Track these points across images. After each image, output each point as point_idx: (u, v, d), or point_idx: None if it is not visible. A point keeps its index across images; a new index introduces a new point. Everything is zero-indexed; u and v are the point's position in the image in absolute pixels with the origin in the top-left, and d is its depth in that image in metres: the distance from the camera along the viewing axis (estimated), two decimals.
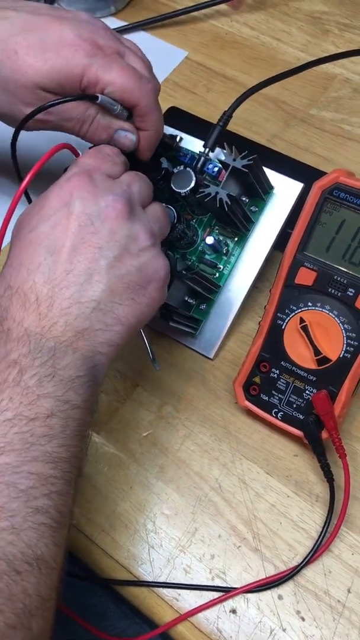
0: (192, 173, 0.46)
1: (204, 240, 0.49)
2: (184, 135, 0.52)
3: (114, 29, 0.67)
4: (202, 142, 0.50)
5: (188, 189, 0.46)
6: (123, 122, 0.42)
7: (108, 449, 0.47)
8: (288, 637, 0.40)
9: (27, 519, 0.31)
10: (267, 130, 0.60)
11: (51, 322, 0.34)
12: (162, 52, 0.66)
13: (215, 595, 0.42)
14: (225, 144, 0.47)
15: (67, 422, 0.34)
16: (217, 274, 0.50)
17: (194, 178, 0.46)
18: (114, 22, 0.68)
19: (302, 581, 0.42)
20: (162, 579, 0.43)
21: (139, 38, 0.68)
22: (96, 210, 0.36)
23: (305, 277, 0.42)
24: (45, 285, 0.35)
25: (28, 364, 0.33)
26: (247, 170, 0.44)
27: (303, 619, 0.41)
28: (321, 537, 0.42)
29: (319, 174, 0.55)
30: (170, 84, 0.64)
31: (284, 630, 0.41)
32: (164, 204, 0.43)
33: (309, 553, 0.42)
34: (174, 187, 0.47)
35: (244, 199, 0.49)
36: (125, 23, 0.68)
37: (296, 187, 0.50)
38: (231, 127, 0.51)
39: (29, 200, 0.43)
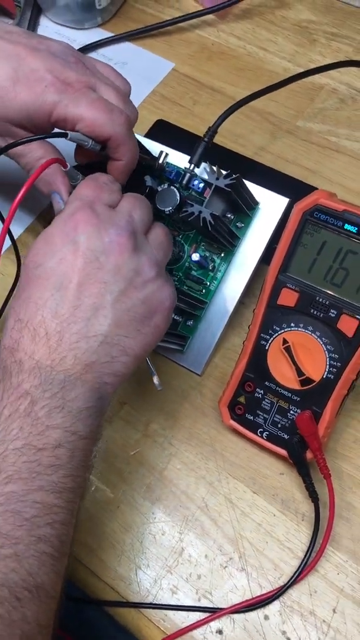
0: (176, 191, 0.46)
1: (190, 256, 0.49)
2: (170, 150, 0.51)
3: (101, 40, 0.67)
4: (189, 157, 0.50)
5: (172, 207, 0.46)
6: (65, 184, 0.43)
7: (96, 467, 0.48)
8: None
9: (30, 547, 0.32)
10: (254, 143, 0.60)
11: (61, 355, 0.35)
12: (149, 64, 0.66)
13: (201, 615, 0.42)
14: (208, 162, 0.47)
15: (73, 452, 0.35)
16: (204, 290, 0.50)
17: (178, 196, 0.46)
18: (100, 34, 0.68)
19: (288, 601, 0.42)
20: (149, 600, 0.43)
21: (126, 49, 0.68)
22: (101, 245, 0.37)
23: (288, 298, 0.42)
24: (54, 320, 0.36)
25: (39, 395, 0.34)
26: (229, 190, 0.44)
27: (289, 639, 0.41)
28: (307, 556, 0.42)
29: (306, 187, 0.56)
30: (157, 96, 0.64)
31: None
32: (164, 225, 0.43)
33: (295, 573, 0.42)
34: (158, 206, 0.47)
35: (229, 215, 0.49)
36: (112, 34, 0.68)
37: (282, 202, 0.49)
38: (218, 140, 0.50)
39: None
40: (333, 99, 0.61)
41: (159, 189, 0.46)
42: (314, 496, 0.43)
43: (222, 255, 0.49)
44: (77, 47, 0.65)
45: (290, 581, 0.42)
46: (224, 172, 0.45)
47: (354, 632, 0.41)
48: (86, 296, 0.36)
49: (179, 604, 0.43)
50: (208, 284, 0.50)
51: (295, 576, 0.42)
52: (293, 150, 0.59)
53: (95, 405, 0.36)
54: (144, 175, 0.47)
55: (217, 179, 0.44)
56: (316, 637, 0.41)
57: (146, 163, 0.48)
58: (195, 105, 0.63)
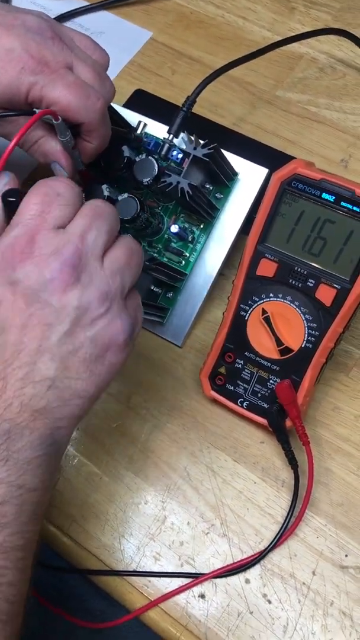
0: (154, 162, 0.46)
1: (169, 228, 0.49)
2: (148, 120, 0.51)
3: (77, 9, 0.66)
4: (167, 127, 0.49)
5: (150, 178, 0.46)
6: (62, 152, 0.41)
7: (78, 440, 0.48)
8: (255, 619, 0.42)
9: None
10: (233, 113, 0.59)
11: (6, 403, 0.33)
12: (126, 33, 0.65)
13: (184, 581, 0.43)
14: (186, 132, 0.46)
15: (21, 507, 0.32)
16: (183, 262, 0.50)
17: (156, 167, 0.46)
18: (76, 2, 0.67)
19: (269, 565, 0.43)
20: (132, 567, 0.44)
21: (102, 18, 0.66)
22: (42, 282, 0.33)
23: (267, 268, 0.42)
24: None
25: None
26: (208, 159, 0.44)
27: (270, 602, 0.42)
28: (287, 521, 0.43)
29: (286, 158, 0.55)
30: (135, 66, 0.63)
31: (251, 613, 0.42)
32: (130, 241, 0.37)
33: (275, 537, 0.43)
34: (136, 176, 0.46)
35: (207, 186, 0.49)
36: (88, 3, 0.66)
37: (261, 172, 0.49)
38: (197, 110, 0.50)
39: None
40: (312, 69, 0.61)
41: (137, 159, 0.46)
42: (293, 463, 0.43)
43: (202, 226, 0.49)
44: (53, 17, 0.64)
45: (271, 545, 0.43)
46: (201, 142, 0.45)
47: (333, 593, 0.42)
48: (30, 339, 0.33)
49: (162, 570, 0.44)
50: (188, 255, 0.49)
51: (275, 540, 0.43)
52: (273, 120, 0.59)
53: (47, 452, 0.34)
54: (121, 146, 0.46)
55: (195, 148, 0.44)
56: (296, 599, 0.42)
57: (124, 135, 0.47)
58: (173, 75, 0.62)
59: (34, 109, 0.40)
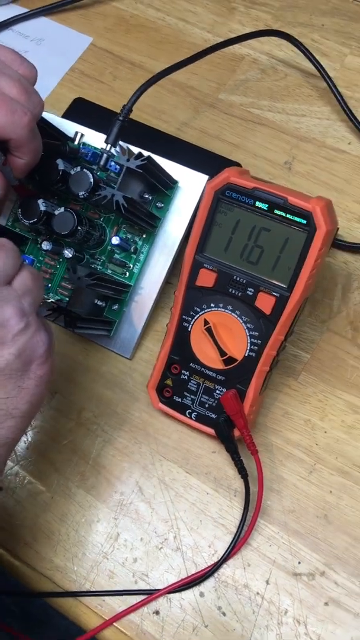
0: (89, 174, 0.45)
1: (111, 240, 0.49)
2: (86, 130, 0.50)
3: (15, 16, 0.65)
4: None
5: (85, 191, 0.45)
6: None
7: (27, 460, 0.47)
8: (210, 633, 0.41)
9: None
10: (177, 118, 0.59)
11: None
12: (66, 39, 0.64)
13: (138, 598, 0.42)
14: (125, 142, 0.46)
15: None
16: (127, 273, 0.49)
17: (91, 179, 0.45)
18: (15, 9, 0.65)
19: (223, 577, 0.43)
20: (86, 587, 0.43)
21: (42, 25, 0.65)
22: None
23: (206, 278, 0.42)
24: None
25: None
26: (141, 171, 0.43)
27: (224, 614, 0.42)
28: (239, 531, 0.43)
29: (229, 163, 0.55)
30: (76, 72, 0.62)
31: (206, 626, 0.42)
32: (32, 268, 0.39)
33: (228, 548, 0.43)
34: (72, 190, 0.45)
35: (147, 195, 0.48)
36: (26, 9, 0.65)
37: (201, 179, 0.49)
38: (140, 116, 0.49)
39: None
40: (254, 70, 0.60)
41: (72, 172, 0.45)
42: (242, 473, 0.43)
43: (144, 236, 0.49)
44: None
45: (224, 557, 0.42)
46: (135, 153, 0.44)
47: (287, 602, 0.42)
48: None
49: (116, 588, 0.43)
50: (131, 266, 0.49)
51: (228, 552, 0.43)
52: (216, 124, 0.58)
53: None
54: (56, 159, 0.45)
55: (128, 160, 0.43)
56: (250, 610, 0.42)
57: (57, 147, 0.46)
58: (115, 80, 0.61)
59: None
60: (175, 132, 0.58)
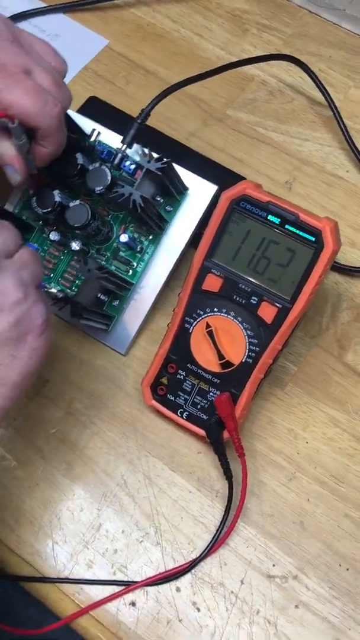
0: (108, 171, 0.46)
1: (118, 237, 0.50)
2: (102, 128, 0.51)
3: (34, 9, 0.65)
4: (120, 137, 0.50)
5: (102, 187, 0.46)
6: (16, 156, 0.41)
7: (15, 445, 0.47)
8: (184, 627, 0.42)
9: None
10: (185, 128, 0.60)
11: None
12: (82, 38, 0.65)
13: (116, 589, 0.43)
14: (140, 144, 0.47)
15: None
16: (131, 271, 0.50)
17: (109, 176, 0.46)
18: (34, 3, 0.66)
19: (199, 574, 0.44)
20: (65, 574, 0.44)
21: (59, 21, 0.66)
22: None
23: (212, 283, 0.44)
24: None
25: None
26: (160, 173, 0.45)
27: (198, 610, 0.43)
28: (219, 531, 0.44)
29: (235, 176, 0.57)
30: (89, 72, 0.63)
31: (180, 621, 0.43)
32: (33, 248, 0.41)
33: (207, 547, 0.44)
34: (89, 185, 0.46)
35: (158, 198, 0.50)
36: (46, 4, 0.66)
37: (210, 189, 0.50)
38: (151, 122, 0.51)
39: None
40: (262, 91, 0.63)
41: (91, 167, 0.46)
42: (228, 474, 0.45)
43: (151, 237, 0.50)
44: (8, 15, 0.63)
45: (202, 554, 0.44)
46: (155, 156, 0.45)
47: (259, 602, 0.43)
48: None
49: (95, 578, 0.44)
50: (135, 265, 0.50)
51: (206, 550, 0.44)
52: (222, 138, 0.60)
53: None
54: (75, 153, 0.46)
55: (149, 162, 0.45)
56: (224, 607, 0.43)
57: (78, 142, 0.47)
58: (128, 85, 0.63)
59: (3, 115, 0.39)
60: (183, 141, 0.59)
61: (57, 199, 0.46)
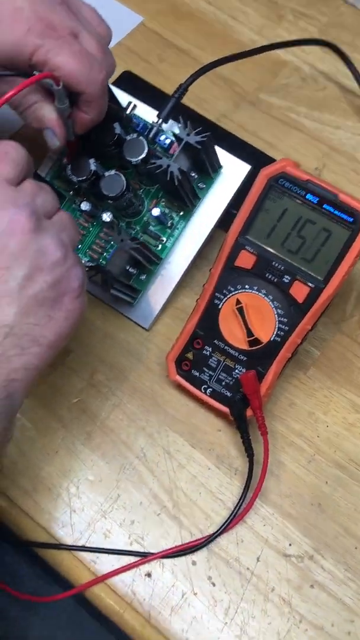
0: (145, 143, 0.46)
1: (149, 211, 0.50)
2: (137, 102, 0.51)
3: None
4: (155, 112, 0.50)
5: (139, 158, 0.46)
6: (57, 120, 0.41)
7: (36, 413, 0.47)
8: (198, 601, 0.42)
9: None
10: (217, 109, 0.60)
11: None
12: (118, 14, 0.65)
13: (132, 559, 0.43)
14: (180, 118, 0.47)
15: None
16: (160, 246, 0.50)
17: (146, 148, 0.46)
18: None
19: (216, 549, 0.44)
20: (81, 542, 0.44)
21: None
22: (0, 226, 0.34)
23: (245, 260, 0.44)
24: None
25: None
26: (199, 147, 0.45)
27: (214, 584, 0.43)
28: (237, 508, 0.44)
29: (267, 158, 0.57)
30: (123, 47, 0.63)
31: (195, 594, 0.43)
32: (69, 213, 0.41)
33: (224, 522, 0.44)
34: (125, 155, 0.46)
35: (193, 174, 0.49)
36: None
37: (244, 168, 0.50)
38: (184, 101, 0.51)
39: None
40: (295, 77, 0.63)
41: (128, 138, 0.46)
42: (249, 452, 0.45)
43: (182, 213, 0.50)
44: None
45: (220, 530, 0.44)
46: (195, 129, 0.45)
47: (275, 580, 0.43)
48: None
49: (111, 547, 0.44)
50: (165, 240, 0.50)
51: (224, 526, 0.44)
52: (254, 121, 0.60)
53: (1, 405, 0.34)
54: (113, 123, 0.46)
55: (188, 134, 0.45)
56: (239, 583, 0.43)
57: (117, 112, 0.47)
58: (161, 62, 0.63)
59: (34, 72, 0.39)
60: (214, 122, 0.59)
61: (93, 167, 0.46)
